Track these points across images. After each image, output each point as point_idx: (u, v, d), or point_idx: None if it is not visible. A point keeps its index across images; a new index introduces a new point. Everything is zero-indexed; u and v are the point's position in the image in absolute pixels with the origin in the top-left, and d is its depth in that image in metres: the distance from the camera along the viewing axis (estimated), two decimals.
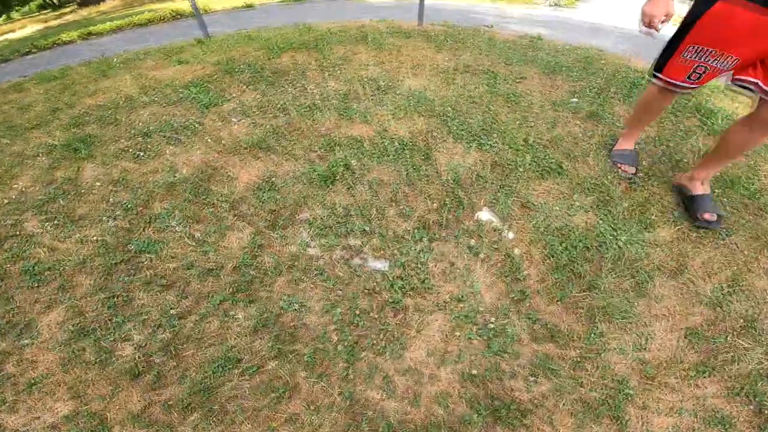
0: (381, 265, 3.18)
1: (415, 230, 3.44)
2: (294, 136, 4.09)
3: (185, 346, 2.46)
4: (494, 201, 3.52)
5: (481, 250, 3.32)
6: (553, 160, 3.43)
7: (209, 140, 4.06)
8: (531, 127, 3.89)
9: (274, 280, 3.17)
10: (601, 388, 2.21)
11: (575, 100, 4.21)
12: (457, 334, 2.57)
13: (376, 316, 2.68)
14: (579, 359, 2.32)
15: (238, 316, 2.63)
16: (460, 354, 2.46)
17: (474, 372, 2.34)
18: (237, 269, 2.94)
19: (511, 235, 3.43)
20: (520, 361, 2.36)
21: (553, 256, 2.91)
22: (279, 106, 4.52)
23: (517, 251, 3.03)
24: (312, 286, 3.14)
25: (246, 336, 2.52)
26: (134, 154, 3.91)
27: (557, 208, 3.13)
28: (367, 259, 3.22)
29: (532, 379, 2.26)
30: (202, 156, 3.89)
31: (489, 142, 3.74)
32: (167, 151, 3.94)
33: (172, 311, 2.64)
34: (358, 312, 2.73)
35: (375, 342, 2.57)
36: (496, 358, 2.39)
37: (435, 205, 3.61)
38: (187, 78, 5.04)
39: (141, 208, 3.36)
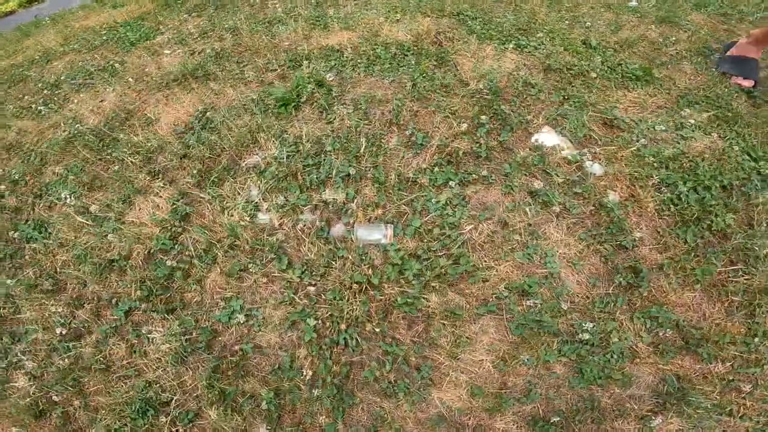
0: (379, 233, 1.85)
1: (435, 168, 2.07)
2: (245, 57, 3.14)
3: (88, 379, 1.86)
4: (560, 117, 2.34)
5: (553, 196, 1.96)
6: (636, 65, 2.71)
7: (130, 79, 3.27)
8: (587, 28, 3.18)
9: (206, 272, 1.91)
10: None
11: (634, 2, 3.54)
12: (523, 353, 1.75)
13: (377, 329, 1.81)
14: (732, 378, 1.64)
15: (153, 334, 1.90)
16: (528, 389, 1.70)
17: (555, 419, 1.62)
18: (150, 258, 2.11)
19: (597, 169, 2.08)
20: (633, 390, 1.67)
21: (675, 204, 2.03)
22: (227, 27, 3.60)
23: (612, 197, 2.07)
24: (266, 280, 1.85)
25: (169, 366, 1.83)
26: (36, 110, 3.24)
27: (661, 128, 2.33)
28: (354, 225, 1.90)
29: (654, 419, 1.59)
30: (115, 99, 3.10)
31: (532, 43, 2.93)
32: (75, 100, 3.25)
33: (63, 329, 1.99)
34: (344, 324, 1.82)
35: (378, 375, 1.74)
36: (592, 391, 1.67)
37: (465, 125, 2.23)
38: (118, 20, 4.36)
39: (30, 178, 2.66)
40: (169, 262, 1.95)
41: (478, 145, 2.17)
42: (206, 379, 1.74)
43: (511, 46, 2.86)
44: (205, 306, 1.88)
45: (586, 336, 1.70)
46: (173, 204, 2.13)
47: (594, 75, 2.61)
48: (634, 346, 1.70)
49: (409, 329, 1.76)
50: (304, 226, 1.90)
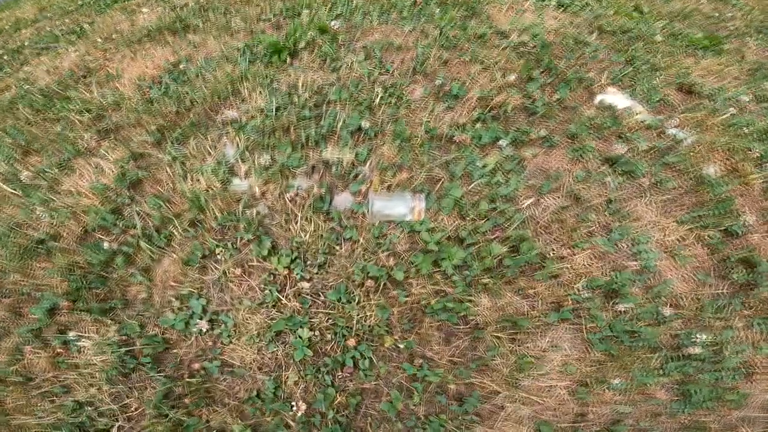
0: (404, 206, 1.29)
1: (477, 124, 1.53)
2: (234, 7, 2.64)
3: (6, 393, 1.35)
4: (626, 78, 1.92)
5: (637, 164, 1.44)
6: (700, 34, 2.42)
7: (98, 39, 2.82)
8: None
9: (157, 258, 1.36)
10: None
11: None
12: (611, 374, 1.26)
13: (401, 344, 1.27)
14: None
15: (83, 342, 1.34)
16: (615, 419, 1.23)
17: None
18: (85, 239, 1.53)
19: (685, 137, 1.61)
20: (746, 412, 1.24)
21: None
22: None
23: (712, 169, 1.64)
24: (239, 271, 1.29)
25: (104, 384, 1.29)
26: None
27: (745, 98, 1.95)
28: (368, 194, 1.34)
29: None
30: (77, 58, 2.63)
31: (576, 3, 2.56)
32: (33, 63, 2.83)
33: None
34: (353, 338, 1.26)
35: (402, 409, 1.21)
36: (698, 416, 1.24)
37: (512, 77, 1.71)
38: None
39: None
40: (107, 245, 1.40)
41: (531, 100, 1.64)
42: (155, 406, 1.19)
43: (552, 3, 2.51)
44: (155, 306, 1.32)
45: (697, 350, 1.22)
46: (121, 167, 1.58)
47: (659, 39, 2.28)
48: (750, 359, 1.26)
49: (447, 345, 1.22)
50: (296, 195, 1.35)
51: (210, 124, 1.65)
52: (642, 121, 1.71)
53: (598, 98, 1.84)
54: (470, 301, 1.24)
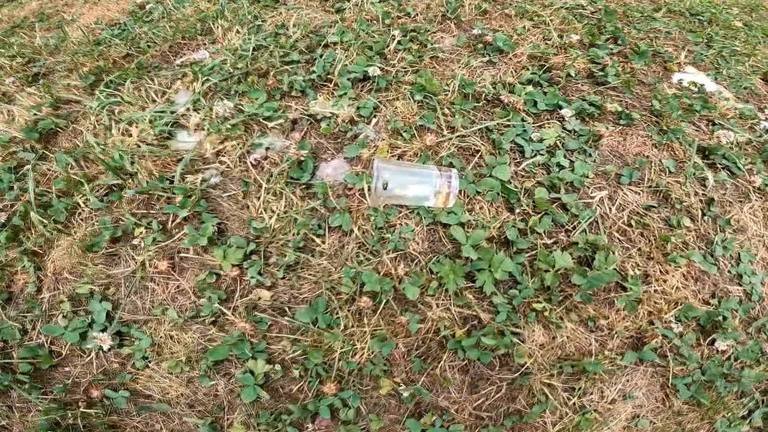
0: (426, 185, 0.83)
1: (529, 85, 1.09)
2: None
3: None
4: (707, 60, 1.53)
5: (737, 159, 1.07)
6: None
7: None
8: None
9: (53, 240, 0.92)
10: None
11: None
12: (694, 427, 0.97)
13: (406, 392, 0.85)
14: None
15: None
16: None
17: None
18: None
19: None
20: None
21: None
22: None
23: None
24: (162, 268, 0.85)
25: None
26: None
27: None
28: (374, 162, 0.88)
29: None
30: (36, 6, 2.24)
31: None
32: None
33: None
34: (332, 382, 0.83)
35: None
36: None
37: (575, 37, 1.28)
38: None
39: None
40: None
41: (600, 66, 1.21)
42: None
43: None
44: (42, 305, 0.88)
45: None
46: (35, 115, 1.14)
47: (739, 24, 1.93)
48: None
49: (474, 393, 0.79)
50: (264, 158, 0.91)
51: (166, 68, 1.23)
52: (734, 108, 1.29)
53: (676, 77, 1.43)
54: (516, 333, 0.80)
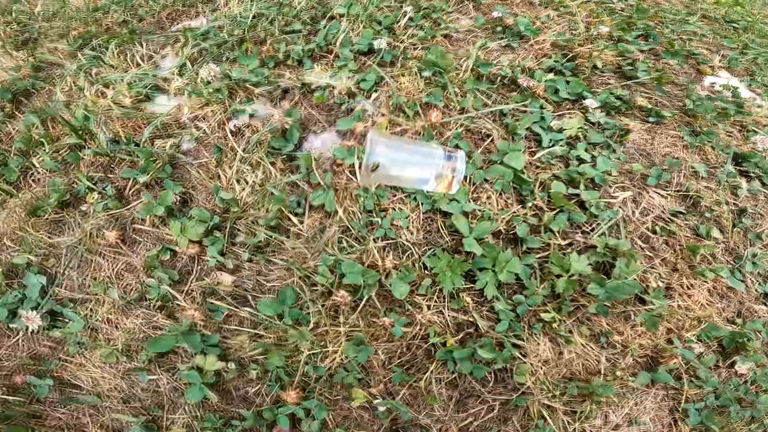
0: (426, 164, 0.71)
1: (549, 73, 0.97)
2: None
3: None
4: (742, 66, 1.41)
5: None
6: None
7: None
8: None
9: (1, 203, 0.80)
10: None
11: None
12: None
13: (382, 406, 0.71)
14: None
15: None
16: None
17: None
18: None
19: None
20: None
21: None
22: None
23: None
24: (110, 239, 0.74)
25: None
26: None
27: None
28: (368, 137, 0.77)
29: None
30: None
31: None
32: None
33: None
34: (293, 389, 0.70)
35: None
36: None
37: (604, 29, 1.16)
38: None
39: None
40: None
41: (629, 61, 1.10)
42: None
43: None
44: None
45: None
46: (12, 76, 1.05)
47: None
48: None
49: (461, 411, 0.68)
50: (245, 125, 0.80)
51: (158, 33, 1.13)
52: None
53: (708, 80, 1.32)
54: (517, 346, 0.67)
